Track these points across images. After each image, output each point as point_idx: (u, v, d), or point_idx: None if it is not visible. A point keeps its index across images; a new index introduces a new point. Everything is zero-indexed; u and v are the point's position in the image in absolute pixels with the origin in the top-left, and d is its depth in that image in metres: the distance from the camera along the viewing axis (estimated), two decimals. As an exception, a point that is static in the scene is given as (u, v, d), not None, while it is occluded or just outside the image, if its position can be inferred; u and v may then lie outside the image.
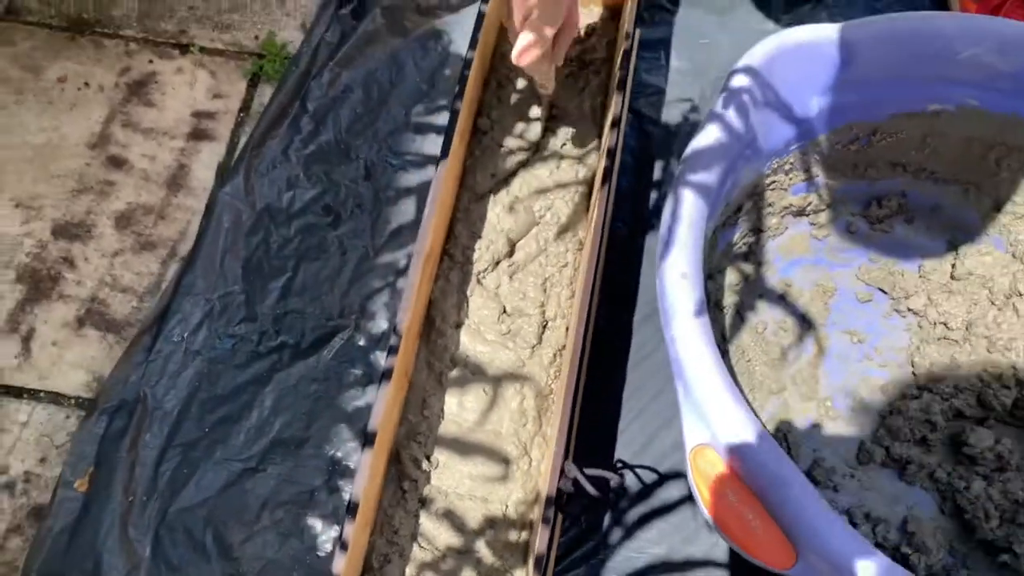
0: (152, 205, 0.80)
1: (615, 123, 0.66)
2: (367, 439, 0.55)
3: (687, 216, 0.57)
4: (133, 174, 0.81)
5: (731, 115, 0.60)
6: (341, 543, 0.52)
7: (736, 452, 0.50)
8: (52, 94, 0.83)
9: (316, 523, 0.69)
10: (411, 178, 0.82)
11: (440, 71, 0.87)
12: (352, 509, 0.53)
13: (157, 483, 0.70)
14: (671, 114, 0.85)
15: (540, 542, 0.51)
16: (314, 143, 0.82)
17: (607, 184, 0.63)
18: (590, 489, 0.52)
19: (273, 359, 0.74)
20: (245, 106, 0.85)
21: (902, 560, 0.66)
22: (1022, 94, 0.66)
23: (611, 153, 0.64)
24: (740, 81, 0.61)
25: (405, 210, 0.80)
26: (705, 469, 0.52)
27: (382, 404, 0.56)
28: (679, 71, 0.88)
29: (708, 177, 0.59)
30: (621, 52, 0.69)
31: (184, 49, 0.86)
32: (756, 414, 0.72)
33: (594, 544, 0.68)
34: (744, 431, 0.50)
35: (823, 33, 0.64)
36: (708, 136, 0.59)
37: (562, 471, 0.54)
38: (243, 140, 0.83)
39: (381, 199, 0.80)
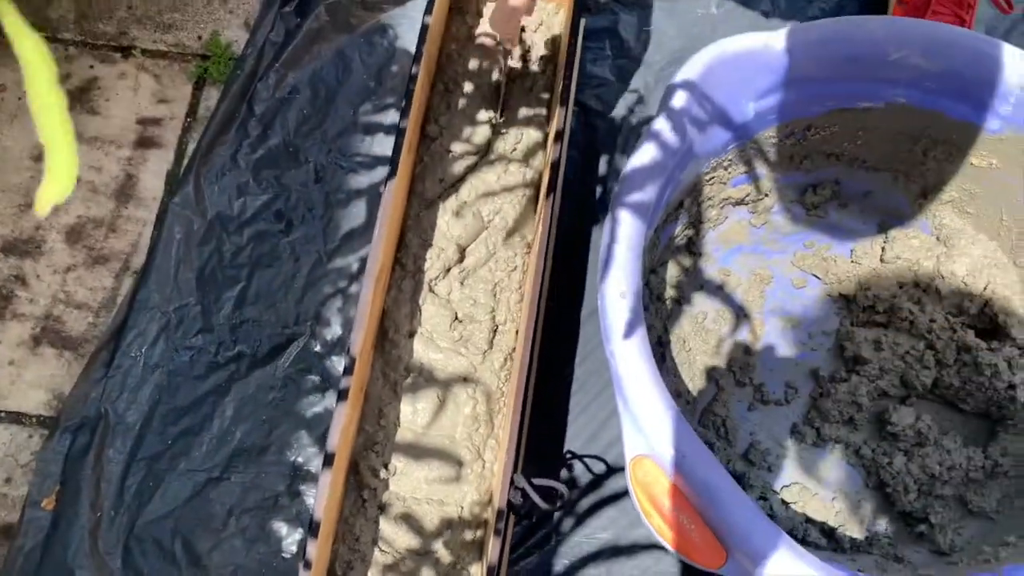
0: (102, 218, 0.80)
1: (558, 136, 0.67)
2: (326, 460, 0.57)
3: (624, 236, 0.59)
4: (81, 186, 0.81)
5: (668, 132, 0.62)
6: (305, 562, 0.55)
7: (671, 462, 0.54)
8: (-10, 105, 0.82)
9: (281, 527, 0.72)
10: (361, 180, 0.83)
11: (387, 67, 0.87)
12: (314, 529, 0.56)
13: (124, 497, 0.72)
14: (617, 106, 0.87)
15: (492, 552, 0.55)
16: (263, 147, 0.82)
17: (551, 198, 0.65)
18: (539, 502, 0.56)
19: (231, 369, 0.76)
20: (191, 111, 0.84)
21: (829, 532, 0.71)
22: (945, 92, 0.69)
23: (555, 166, 0.66)
24: (678, 96, 0.63)
25: (356, 213, 0.81)
26: (643, 478, 0.55)
27: (339, 425, 0.58)
28: (625, 61, 0.89)
29: (644, 196, 0.61)
30: (564, 62, 0.70)
31: (126, 52, 0.85)
32: (695, 401, 0.76)
33: (545, 532, 0.72)
34: (678, 443, 0.54)
35: (759, 41, 0.66)
36: (644, 155, 0.61)
37: (512, 483, 0.58)
38: (191, 147, 0.83)
39: (332, 202, 0.81)
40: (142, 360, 0.76)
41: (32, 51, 0.14)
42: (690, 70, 0.63)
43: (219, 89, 0.85)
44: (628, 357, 0.56)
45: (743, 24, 0.90)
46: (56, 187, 0.15)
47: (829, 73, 0.69)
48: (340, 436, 0.59)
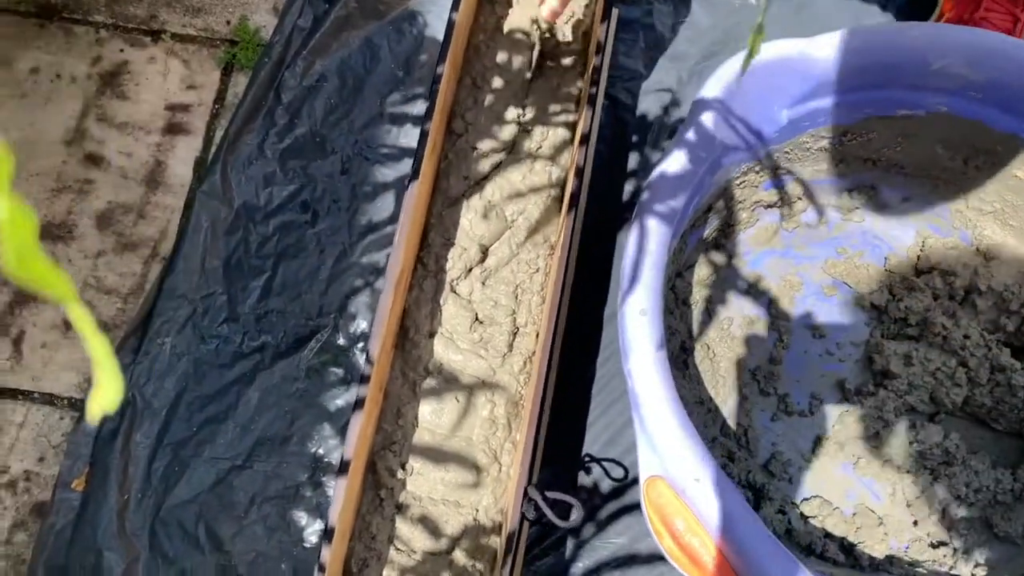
0: (132, 204, 0.81)
1: (584, 139, 0.66)
2: (341, 467, 0.58)
3: (650, 249, 0.58)
4: (111, 172, 0.81)
5: (697, 141, 0.61)
6: (319, 565, 0.56)
7: (685, 486, 0.53)
8: (25, 87, 0.83)
9: (302, 516, 0.73)
10: (387, 172, 0.82)
11: (415, 56, 0.86)
12: (329, 534, 0.57)
13: (151, 481, 0.74)
14: (648, 102, 0.85)
15: (504, 570, 0.55)
16: (290, 136, 0.82)
17: (575, 207, 0.64)
18: (553, 518, 0.56)
19: (256, 359, 0.77)
20: (220, 97, 0.84)
21: (848, 549, 0.71)
22: (989, 102, 0.66)
23: (580, 172, 0.65)
24: (708, 104, 0.62)
25: (382, 206, 0.81)
26: (657, 499, 0.55)
27: (355, 432, 0.59)
28: (658, 53, 0.87)
29: (672, 204, 0.60)
30: (592, 65, 0.68)
31: (155, 36, 0.85)
32: (717, 410, 0.76)
33: (561, 534, 0.73)
34: (694, 468, 0.53)
35: (794, 49, 0.63)
36: (673, 163, 0.60)
37: (525, 494, 0.58)
38: (219, 134, 0.83)
39: (358, 195, 0.81)
40: (169, 347, 0.77)
41: (92, 335, 0.17)
42: (721, 77, 0.61)
43: (247, 75, 0.84)
44: (646, 377, 0.56)
45: (784, 15, 0.87)
46: (104, 400, 0.17)
47: (869, 81, 0.66)
48: (357, 442, 0.59)
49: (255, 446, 0.75)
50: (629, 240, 0.59)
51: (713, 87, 0.61)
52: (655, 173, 0.60)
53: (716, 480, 0.53)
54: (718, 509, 0.53)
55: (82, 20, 0.85)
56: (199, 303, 0.78)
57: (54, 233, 0.79)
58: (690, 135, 0.60)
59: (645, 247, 0.58)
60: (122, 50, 0.83)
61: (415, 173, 0.65)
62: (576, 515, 0.57)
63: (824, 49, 0.63)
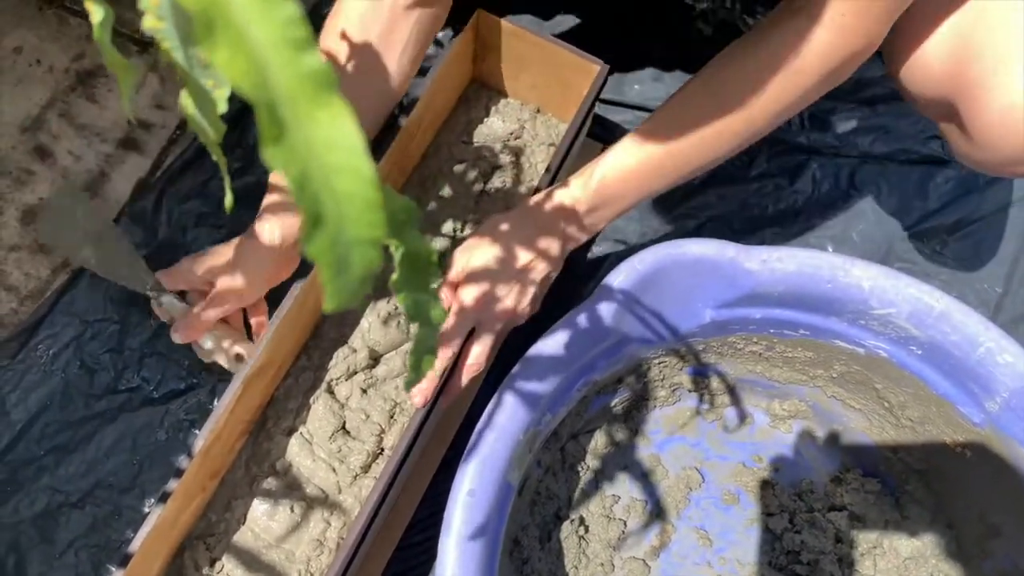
0: (62, 206, 0.79)
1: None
2: (122, 560, 0.54)
3: (500, 425, 0.54)
4: (54, 169, 0.80)
5: (588, 327, 0.57)
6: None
7: None
8: (3, 64, 0.83)
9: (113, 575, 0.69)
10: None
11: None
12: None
13: (-21, 493, 0.71)
14: (604, 246, 0.81)
15: None
16: (238, 182, 0.80)
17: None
18: None
19: (125, 398, 0.74)
20: (183, 124, 0.83)
21: None
22: (930, 363, 0.61)
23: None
24: (610, 293, 0.57)
25: (303, 277, 0.78)
26: None
27: (151, 525, 0.55)
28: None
29: (540, 386, 0.55)
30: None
31: (145, 47, 0.84)
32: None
33: None
34: None
35: (725, 253, 0.59)
36: (552, 344, 0.56)
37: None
38: (169, 160, 0.81)
39: (284, 260, 0.78)
40: (46, 362, 0.74)
41: None
42: (632, 268, 0.57)
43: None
44: (451, 564, 0.51)
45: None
46: None
47: (804, 306, 0.61)
48: (149, 535, 0.55)
49: (95, 487, 0.72)
50: (488, 408, 0.55)
51: (620, 276, 0.57)
52: (532, 348, 0.56)
53: None
54: None
55: (79, 12, 0.85)
56: (91, 326, 0.75)
57: (-23, 214, 0.77)
58: (581, 320, 0.56)
59: (495, 422, 0.54)
60: (106, 53, 0.82)
61: (306, 270, 0.62)
62: None
63: (756, 263, 0.59)
